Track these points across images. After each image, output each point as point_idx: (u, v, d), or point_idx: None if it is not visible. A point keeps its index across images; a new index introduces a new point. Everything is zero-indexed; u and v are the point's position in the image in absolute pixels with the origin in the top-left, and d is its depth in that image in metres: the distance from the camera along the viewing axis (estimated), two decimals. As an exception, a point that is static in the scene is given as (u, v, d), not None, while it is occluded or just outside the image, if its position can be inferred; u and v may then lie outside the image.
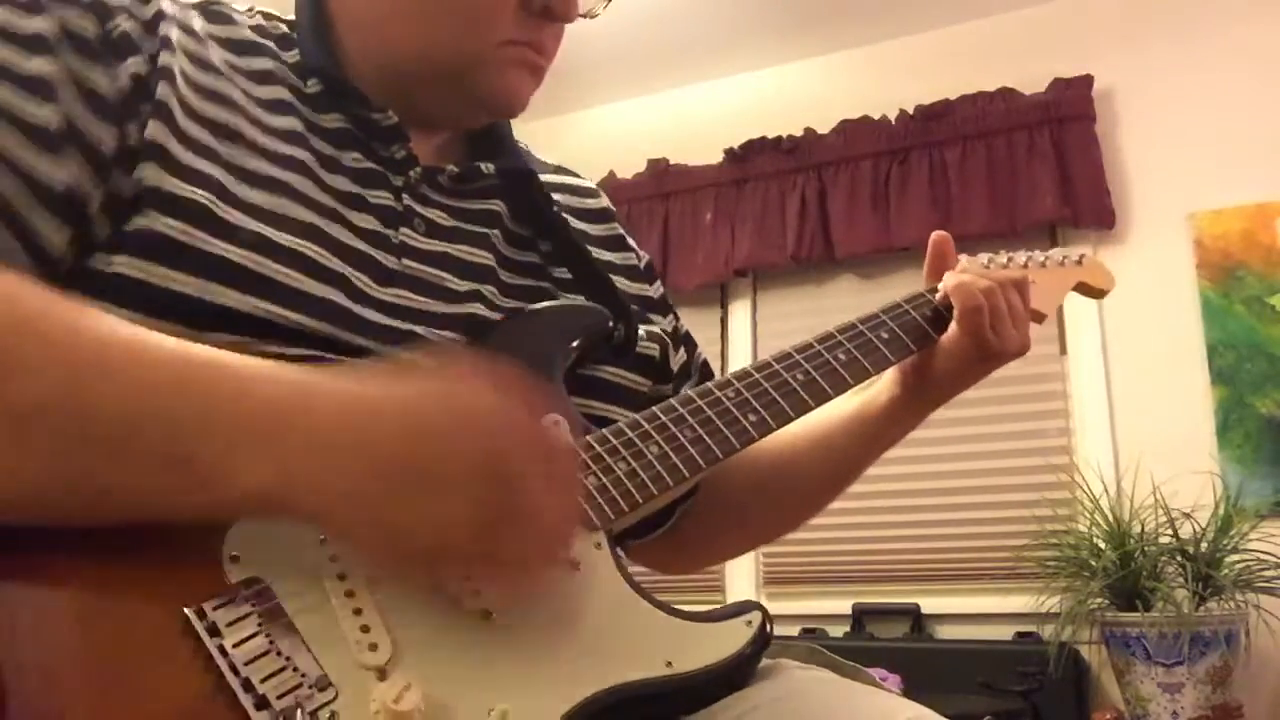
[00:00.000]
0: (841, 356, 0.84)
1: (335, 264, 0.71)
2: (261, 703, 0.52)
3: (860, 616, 3.12)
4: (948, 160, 3.30)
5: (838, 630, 3.12)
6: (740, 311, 3.64)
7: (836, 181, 3.43)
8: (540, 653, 0.53)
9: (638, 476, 0.69)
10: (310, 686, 0.53)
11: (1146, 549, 2.56)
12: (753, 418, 0.77)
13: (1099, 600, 2.54)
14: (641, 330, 0.89)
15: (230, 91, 0.74)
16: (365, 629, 0.56)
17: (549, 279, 0.85)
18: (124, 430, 0.52)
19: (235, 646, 0.53)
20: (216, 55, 0.75)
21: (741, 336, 3.60)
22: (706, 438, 0.74)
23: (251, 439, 0.53)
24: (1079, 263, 1.07)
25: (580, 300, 0.83)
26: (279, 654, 0.54)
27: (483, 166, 0.85)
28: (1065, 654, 2.58)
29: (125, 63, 0.68)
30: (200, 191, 0.67)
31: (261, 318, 0.66)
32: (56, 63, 0.65)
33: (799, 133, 3.54)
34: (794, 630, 3.10)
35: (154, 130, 0.67)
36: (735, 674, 0.66)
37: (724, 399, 0.77)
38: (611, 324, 0.81)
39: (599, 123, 3.98)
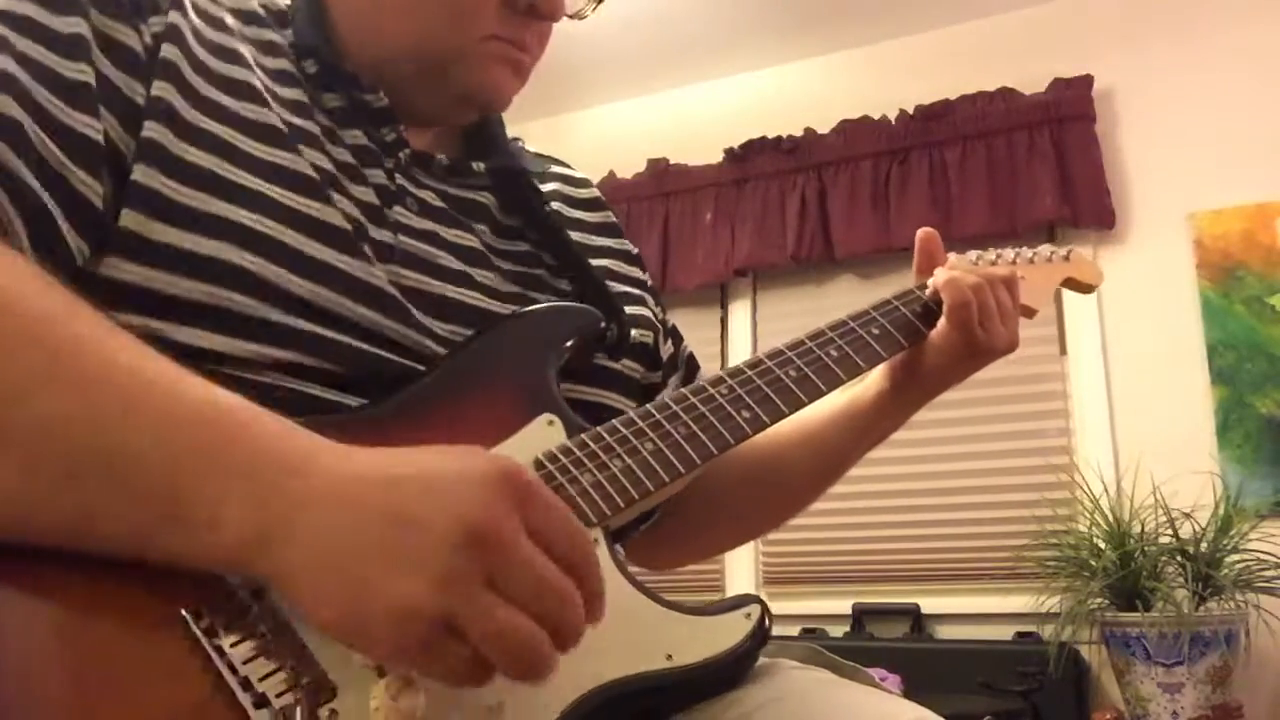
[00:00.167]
0: (834, 353, 0.84)
1: (340, 224, 0.73)
2: (261, 701, 0.52)
3: (860, 616, 3.12)
4: (948, 160, 3.30)
5: (838, 630, 3.12)
6: (740, 311, 3.64)
7: (836, 181, 3.43)
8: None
9: (633, 473, 0.69)
10: (310, 684, 0.53)
11: (1146, 549, 2.56)
12: (747, 414, 0.77)
13: (1099, 600, 2.54)
14: (635, 311, 0.90)
15: (244, 51, 0.77)
16: None
17: (541, 265, 0.87)
18: (110, 460, 0.52)
19: (233, 646, 0.53)
20: (229, 18, 0.79)
21: (741, 336, 3.60)
22: (701, 434, 0.74)
23: (244, 492, 0.52)
24: (1067, 258, 1.08)
25: (572, 301, 0.84)
26: (277, 653, 0.54)
27: (474, 165, 0.87)
28: (1065, 654, 2.58)
29: (148, 21, 0.72)
30: (205, 155, 0.70)
31: (269, 281, 0.68)
32: (86, 22, 0.68)
33: (799, 133, 3.54)
34: (794, 630, 3.10)
35: (160, 89, 0.70)
36: (735, 667, 0.66)
37: (717, 395, 0.77)
38: (603, 324, 0.81)
39: (599, 123, 3.98)
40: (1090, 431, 3.04)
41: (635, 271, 0.96)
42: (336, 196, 0.74)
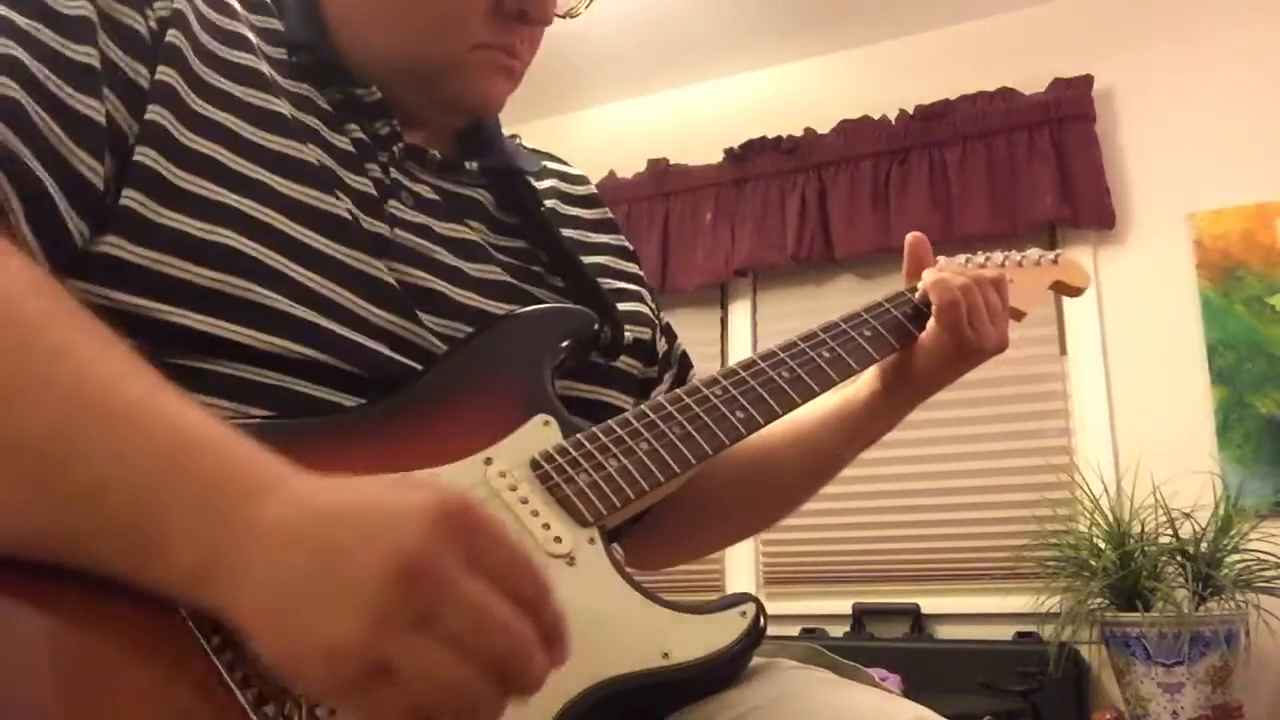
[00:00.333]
0: (826, 354, 0.85)
1: (341, 215, 0.73)
2: (260, 699, 0.52)
3: (860, 616, 3.12)
4: (948, 160, 3.30)
5: (838, 630, 3.12)
6: (740, 311, 3.64)
7: (836, 181, 3.43)
8: None
9: (628, 473, 0.70)
10: None
11: (1146, 549, 2.56)
12: (741, 415, 0.78)
13: (1099, 600, 2.55)
14: (631, 308, 0.90)
15: (250, 36, 0.78)
16: None
17: (538, 263, 0.87)
18: (65, 475, 0.51)
19: (232, 644, 0.52)
20: (236, 3, 0.79)
21: (741, 336, 3.60)
22: (696, 434, 0.75)
23: (193, 522, 0.50)
24: (1055, 261, 1.09)
25: (566, 301, 0.84)
26: None
27: (468, 165, 0.87)
28: (1065, 654, 2.58)
29: (154, 6, 0.72)
30: (208, 143, 0.70)
31: (269, 268, 0.68)
32: (92, 5, 0.69)
33: (799, 133, 3.54)
34: (794, 630, 3.10)
35: (164, 74, 0.70)
36: (731, 665, 0.66)
37: (711, 396, 0.78)
38: (597, 326, 0.82)
39: (599, 123, 3.98)
40: (1090, 431, 3.04)
41: (632, 268, 0.96)
42: (336, 188, 0.75)
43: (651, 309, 0.95)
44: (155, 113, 0.69)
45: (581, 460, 0.69)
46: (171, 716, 0.51)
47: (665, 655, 0.63)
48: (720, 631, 0.65)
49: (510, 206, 0.89)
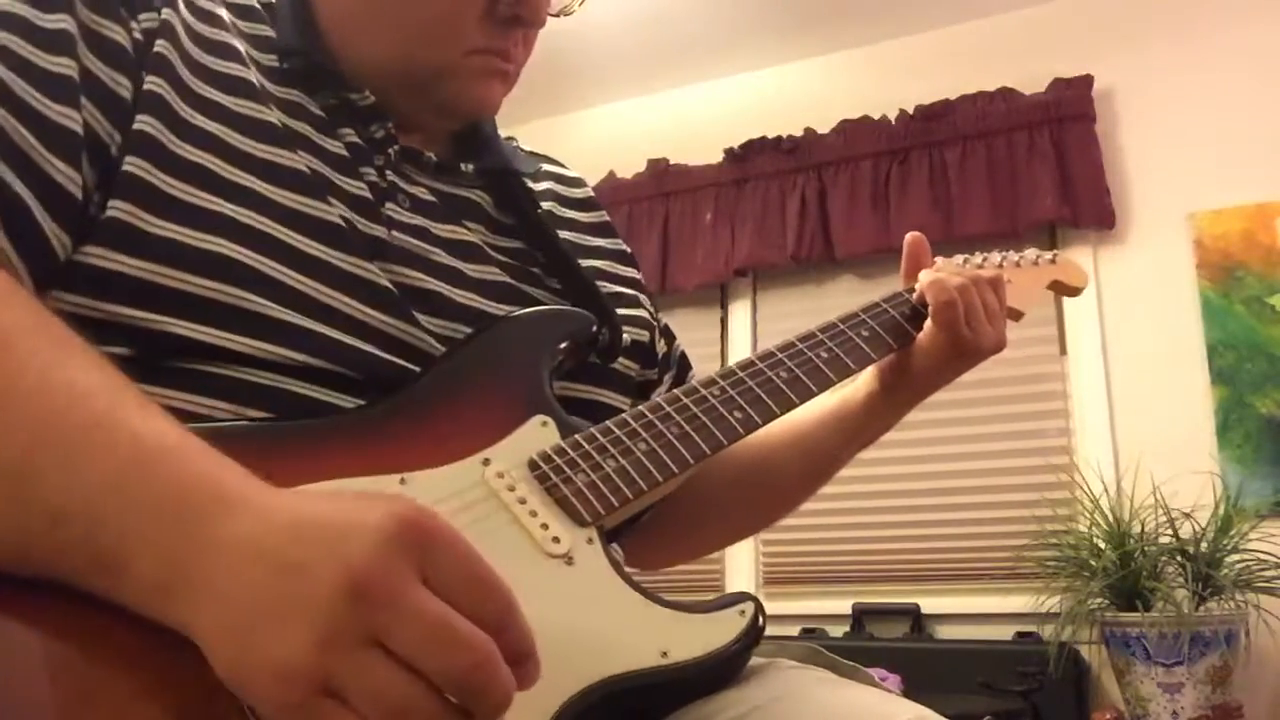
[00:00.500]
0: (824, 354, 0.85)
1: (334, 220, 0.73)
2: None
3: (860, 616, 3.12)
4: (948, 160, 3.30)
5: (838, 630, 3.12)
6: (740, 311, 3.64)
7: (836, 181, 3.43)
8: (536, 646, 0.53)
9: (627, 473, 0.70)
10: None
11: (1146, 549, 2.56)
12: (739, 415, 0.78)
13: (1099, 600, 2.54)
14: (629, 312, 0.90)
15: (239, 46, 0.77)
16: None
17: (536, 264, 0.87)
18: (10, 479, 0.51)
19: None
20: (224, 12, 0.79)
21: (741, 336, 3.60)
22: (694, 434, 0.75)
23: (154, 537, 0.50)
24: (1053, 261, 1.09)
25: (563, 302, 0.85)
26: None
27: (464, 166, 0.87)
28: (1065, 654, 2.58)
29: (139, 18, 0.72)
30: (199, 152, 0.70)
31: (264, 275, 0.68)
32: (73, 18, 0.69)
33: (799, 133, 3.54)
34: (794, 630, 3.10)
35: (153, 84, 0.70)
36: (729, 663, 0.66)
37: (710, 397, 0.78)
38: (595, 328, 0.82)
39: (599, 123, 3.98)
40: (1090, 431, 3.04)
41: (630, 271, 0.97)
42: (329, 194, 0.75)
43: (650, 311, 0.95)
44: (144, 122, 0.69)
45: (579, 461, 0.69)
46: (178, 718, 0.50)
47: (664, 654, 0.63)
48: (719, 631, 0.65)
49: (507, 208, 0.89)
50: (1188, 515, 2.58)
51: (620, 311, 0.88)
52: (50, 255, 0.65)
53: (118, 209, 0.66)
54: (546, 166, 0.99)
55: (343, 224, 0.74)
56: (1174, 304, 3.01)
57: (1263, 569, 2.50)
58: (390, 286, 0.74)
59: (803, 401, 0.83)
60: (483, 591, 0.49)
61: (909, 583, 3.16)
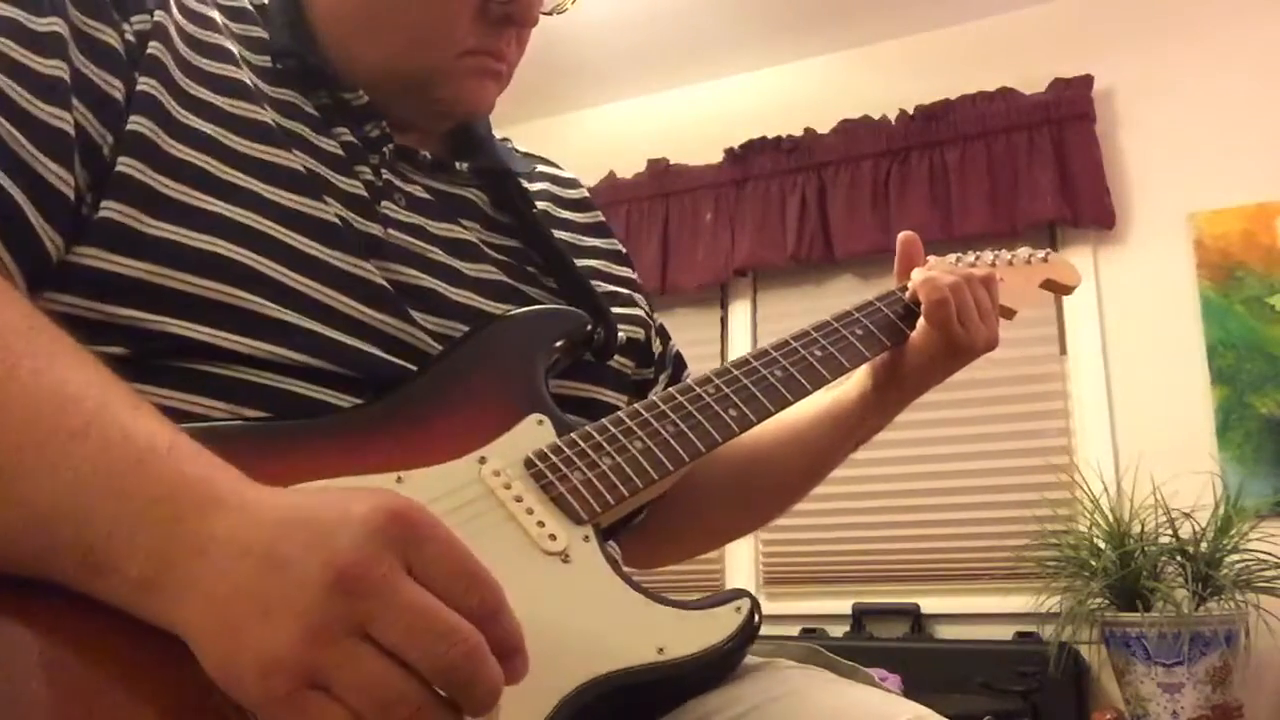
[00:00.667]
0: (818, 353, 0.86)
1: (329, 219, 0.73)
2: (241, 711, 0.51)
3: (860, 616, 3.12)
4: (948, 160, 3.30)
5: (838, 630, 3.12)
6: (740, 311, 3.64)
7: (836, 181, 3.43)
8: (532, 642, 0.52)
9: (623, 471, 0.70)
10: None
11: (1146, 549, 2.56)
12: (733, 413, 0.78)
13: (1099, 600, 2.54)
14: (625, 311, 0.90)
15: (231, 48, 0.78)
16: None
17: (532, 263, 0.87)
18: (13, 484, 0.51)
19: None
20: (217, 15, 0.79)
21: (741, 336, 3.60)
22: (689, 432, 0.75)
23: (141, 535, 0.50)
24: (1045, 260, 1.10)
25: (559, 301, 0.85)
26: None
27: (459, 165, 0.87)
28: (1065, 654, 2.58)
29: (131, 20, 0.72)
30: (194, 152, 0.70)
31: (261, 274, 0.68)
32: (64, 21, 0.68)
33: (799, 133, 3.54)
34: (794, 630, 3.10)
35: (146, 85, 0.70)
36: (725, 660, 0.66)
37: (704, 395, 0.78)
38: (590, 328, 0.82)
39: (599, 123, 3.98)
40: (1090, 431, 3.04)
41: (625, 270, 0.97)
42: (325, 193, 0.75)
43: (645, 310, 0.95)
44: (138, 123, 0.69)
45: (575, 458, 0.70)
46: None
47: (660, 651, 0.63)
48: (715, 627, 0.65)
49: (503, 207, 0.89)
50: (1188, 515, 2.57)
51: (615, 310, 0.88)
52: (43, 256, 0.65)
53: (112, 209, 0.66)
54: (541, 167, 0.99)
55: (338, 222, 0.74)
56: (1174, 304, 3.01)
57: (1263, 569, 2.50)
58: (386, 285, 0.74)
59: (797, 399, 0.83)
60: (469, 583, 0.49)
61: (909, 583, 3.16)
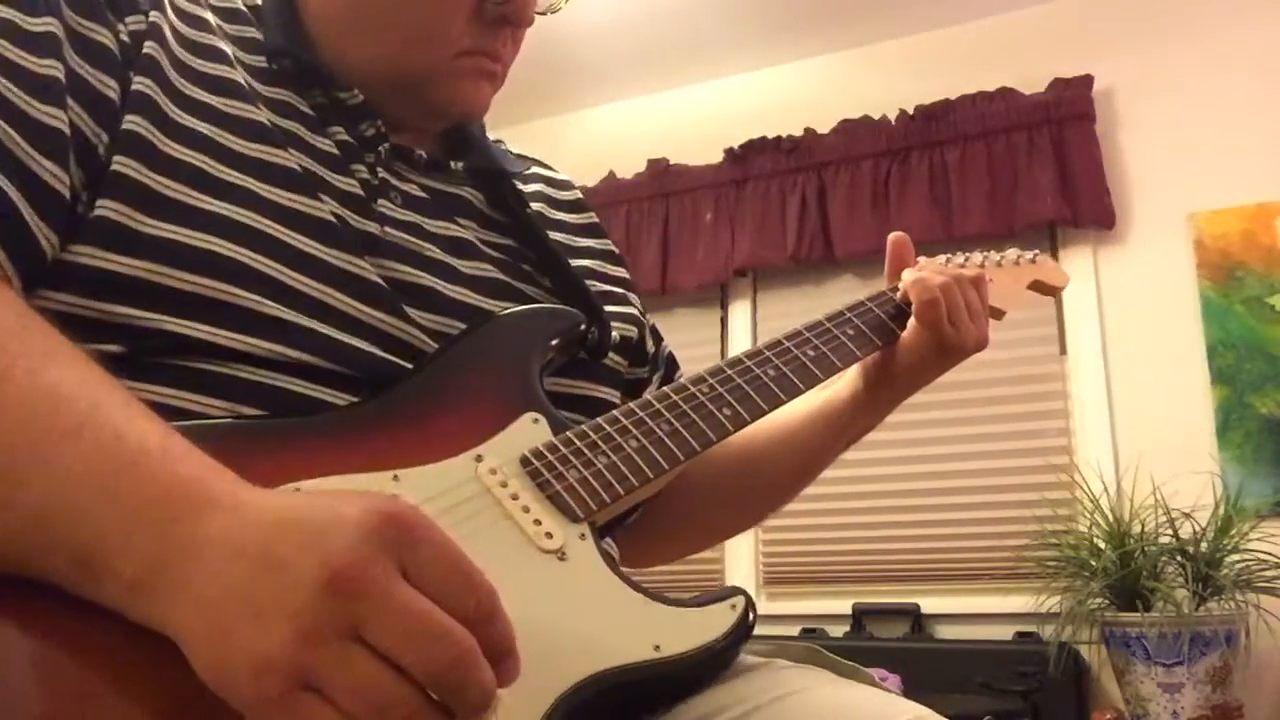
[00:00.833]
0: (810, 352, 0.86)
1: (325, 217, 0.73)
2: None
3: (860, 616, 3.12)
4: (948, 160, 3.30)
5: (838, 630, 3.12)
6: (740, 311, 3.64)
7: (836, 181, 3.43)
8: (529, 640, 0.53)
9: (618, 469, 0.70)
10: None
11: (1146, 549, 2.56)
12: (727, 412, 0.78)
13: (1099, 600, 2.54)
14: (619, 310, 0.91)
15: (225, 48, 0.78)
16: None
17: (527, 262, 0.87)
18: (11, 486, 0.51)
19: None
20: (210, 16, 0.79)
21: (741, 336, 3.60)
22: (683, 431, 0.75)
23: (133, 538, 0.49)
24: (1033, 261, 1.11)
25: (554, 300, 0.85)
26: None
27: (454, 164, 0.88)
28: (1065, 654, 2.58)
29: (126, 20, 0.72)
30: (190, 151, 0.70)
31: (258, 272, 0.69)
32: (58, 21, 0.69)
33: (799, 133, 3.54)
34: (794, 630, 3.10)
35: (141, 84, 0.70)
36: (721, 657, 0.67)
37: (699, 394, 0.79)
38: (585, 326, 0.82)
39: (599, 123, 3.98)
40: (1090, 431, 3.04)
41: (619, 270, 0.97)
42: (321, 191, 0.75)
43: (639, 309, 0.96)
44: (133, 122, 0.69)
45: (571, 457, 0.70)
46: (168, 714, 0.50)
47: (656, 648, 0.63)
48: (710, 625, 0.66)
49: (498, 206, 0.89)
50: (1188, 515, 2.57)
51: (609, 309, 0.89)
52: (38, 255, 0.65)
53: (108, 208, 0.67)
54: (535, 169, 1.00)
55: (334, 220, 0.74)
56: (1174, 304, 3.01)
57: (1263, 569, 2.50)
58: (382, 282, 0.74)
59: (791, 398, 0.83)
60: (463, 585, 0.49)
61: (909, 583, 3.16)
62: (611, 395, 0.87)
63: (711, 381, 0.80)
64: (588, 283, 0.89)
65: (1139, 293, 3.06)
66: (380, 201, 0.79)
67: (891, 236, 1.02)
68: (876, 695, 0.70)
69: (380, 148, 0.82)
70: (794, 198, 3.48)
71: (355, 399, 0.70)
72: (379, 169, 0.81)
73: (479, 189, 0.89)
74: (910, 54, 3.51)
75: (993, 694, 2.57)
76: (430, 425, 0.70)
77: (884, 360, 0.94)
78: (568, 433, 0.72)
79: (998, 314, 1.01)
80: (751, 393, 0.81)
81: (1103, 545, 2.60)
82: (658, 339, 1.01)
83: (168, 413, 0.59)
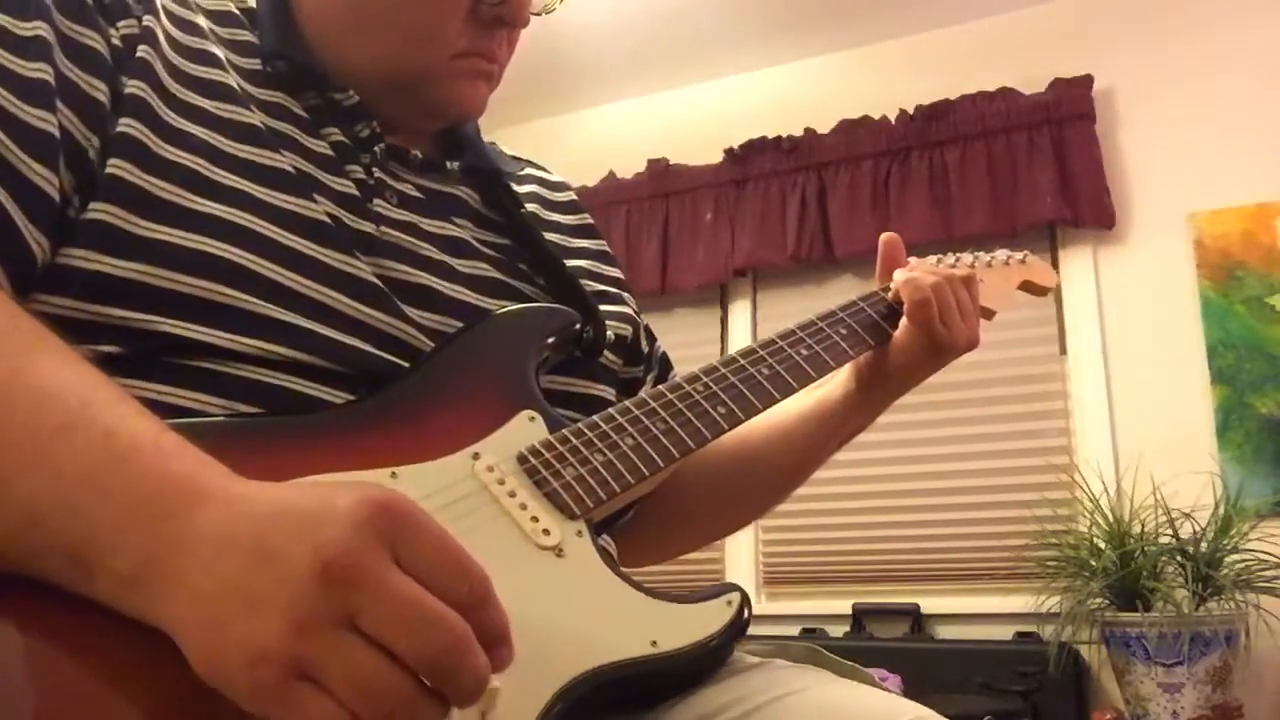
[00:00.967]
0: (804, 351, 0.87)
1: (320, 218, 0.73)
2: None
3: (860, 616, 3.12)
4: (948, 160, 3.30)
5: (838, 630, 3.12)
6: (740, 311, 3.64)
7: (836, 181, 3.44)
8: (527, 636, 0.53)
9: (614, 467, 0.71)
10: None
11: (1146, 549, 2.56)
12: (721, 410, 0.79)
13: (1099, 600, 2.54)
14: (614, 309, 0.91)
15: (218, 52, 0.78)
16: None
17: (522, 260, 0.88)
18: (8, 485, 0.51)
19: None
20: (202, 20, 0.80)
21: (741, 336, 3.60)
22: (678, 429, 0.76)
23: (126, 534, 0.50)
24: (1023, 262, 1.12)
25: (549, 300, 0.86)
26: None
27: (449, 164, 0.88)
28: (1065, 654, 2.58)
29: (117, 25, 0.72)
30: (185, 154, 0.70)
31: (254, 273, 0.69)
32: (48, 25, 0.69)
33: (799, 133, 3.54)
34: (794, 630, 3.10)
35: (135, 88, 0.71)
36: (717, 652, 0.67)
37: (693, 392, 0.79)
38: (580, 325, 0.83)
39: (599, 123, 3.98)
40: (1090, 431, 3.04)
41: (613, 271, 0.98)
42: (316, 192, 0.75)
43: (633, 309, 0.96)
44: (128, 125, 0.69)
45: (568, 455, 0.70)
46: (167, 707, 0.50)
47: (653, 644, 0.63)
48: (706, 620, 0.66)
49: (493, 206, 0.90)
50: (1188, 515, 2.57)
51: (604, 308, 0.89)
52: (28, 258, 0.65)
53: (102, 211, 0.67)
54: (529, 170, 1.00)
55: (329, 221, 0.74)
56: (1174, 304, 3.01)
57: (1263, 569, 2.50)
58: (377, 281, 0.74)
59: (784, 397, 0.84)
60: (456, 572, 0.49)
61: (909, 583, 3.16)
62: (607, 393, 0.87)
63: (706, 380, 0.81)
64: (582, 282, 0.89)
65: (1139, 293, 3.07)
66: (376, 201, 0.79)
67: (883, 237, 1.03)
68: (876, 695, 0.70)
69: (375, 148, 0.82)
70: (794, 198, 3.48)
71: (352, 397, 0.70)
72: (374, 169, 0.81)
73: (474, 189, 0.90)
74: (910, 54, 3.52)
75: (993, 694, 2.57)
76: (427, 423, 0.70)
77: (876, 359, 0.95)
78: (564, 430, 0.72)
79: (988, 314, 1.03)
80: (745, 391, 0.81)
81: (1103, 545, 2.60)
82: (651, 339, 1.02)
83: (165, 411, 0.59)
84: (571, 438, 0.71)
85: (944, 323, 0.92)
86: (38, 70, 0.67)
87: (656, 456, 0.73)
